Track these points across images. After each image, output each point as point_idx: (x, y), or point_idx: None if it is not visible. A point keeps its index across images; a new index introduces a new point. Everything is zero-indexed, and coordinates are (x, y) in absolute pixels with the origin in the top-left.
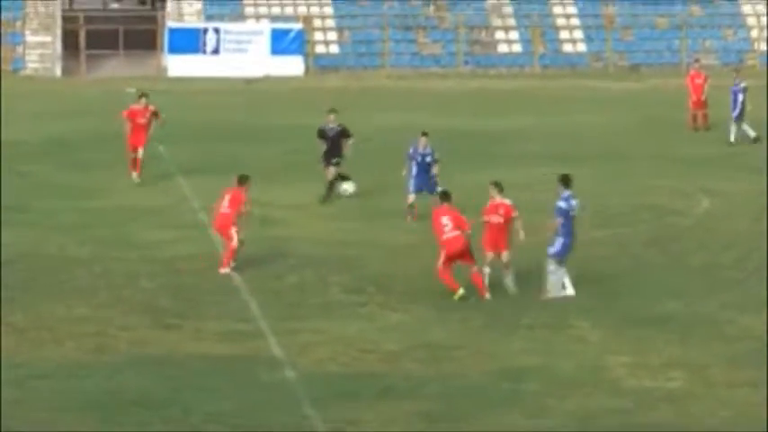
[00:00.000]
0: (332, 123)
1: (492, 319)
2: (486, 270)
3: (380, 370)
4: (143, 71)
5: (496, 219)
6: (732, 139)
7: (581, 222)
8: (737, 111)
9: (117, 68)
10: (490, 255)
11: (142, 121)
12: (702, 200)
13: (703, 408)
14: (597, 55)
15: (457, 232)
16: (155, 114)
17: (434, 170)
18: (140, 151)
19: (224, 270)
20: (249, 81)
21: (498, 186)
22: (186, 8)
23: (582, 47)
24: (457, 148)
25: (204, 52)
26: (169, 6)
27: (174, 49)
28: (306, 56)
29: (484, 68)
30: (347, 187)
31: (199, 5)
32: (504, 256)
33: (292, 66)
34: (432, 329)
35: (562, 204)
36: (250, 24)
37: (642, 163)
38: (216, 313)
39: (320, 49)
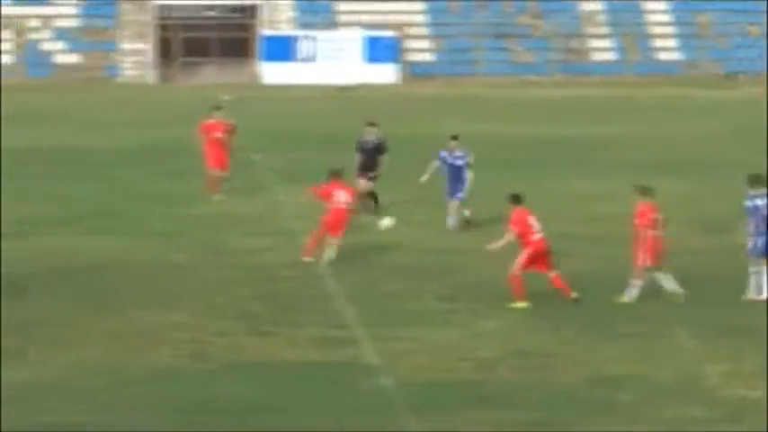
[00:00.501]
0: (369, 136)
1: (586, 327)
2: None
3: (476, 378)
4: (237, 78)
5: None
6: None
7: (678, 231)
8: None
9: (211, 76)
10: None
11: (218, 135)
12: None
13: None
14: (692, 63)
15: (542, 234)
16: (232, 129)
17: (466, 174)
18: (223, 173)
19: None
20: (343, 89)
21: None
22: (280, 16)
23: (676, 55)
24: (550, 156)
25: (298, 60)
26: (263, 14)
27: (269, 57)
28: (400, 63)
29: (578, 76)
30: (387, 223)
31: (292, 13)
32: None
33: (386, 73)
34: (526, 337)
35: (748, 203)
36: (344, 32)
37: (738, 171)
38: (311, 320)
39: (414, 56)
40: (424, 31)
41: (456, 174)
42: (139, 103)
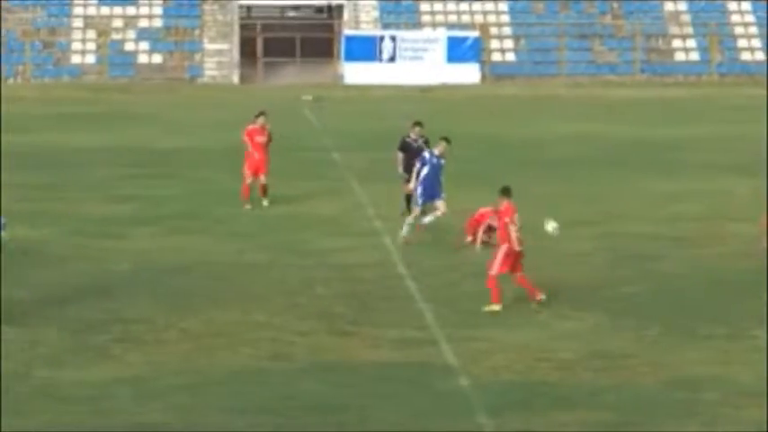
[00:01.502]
0: (415, 135)
1: (667, 328)
2: None
3: (555, 379)
4: (320, 79)
5: None
6: None
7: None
8: None
9: (294, 76)
10: None
11: (261, 139)
12: None
13: None
14: None
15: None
16: (270, 137)
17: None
18: (262, 177)
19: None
20: (425, 89)
21: None
22: (363, 16)
23: (760, 55)
24: (633, 157)
25: (380, 60)
26: (346, 14)
27: (351, 57)
28: (482, 63)
29: (660, 76)
30: (553, 226)
31: (375, 13)
32: None
33: (468, 73)
34: (606, 338)
35: None
36: (426, 32)
37: None
38: (391, 321)
39: (496, 56)
40: (506, 31)
41: (438, 174)
42: (222, 103)
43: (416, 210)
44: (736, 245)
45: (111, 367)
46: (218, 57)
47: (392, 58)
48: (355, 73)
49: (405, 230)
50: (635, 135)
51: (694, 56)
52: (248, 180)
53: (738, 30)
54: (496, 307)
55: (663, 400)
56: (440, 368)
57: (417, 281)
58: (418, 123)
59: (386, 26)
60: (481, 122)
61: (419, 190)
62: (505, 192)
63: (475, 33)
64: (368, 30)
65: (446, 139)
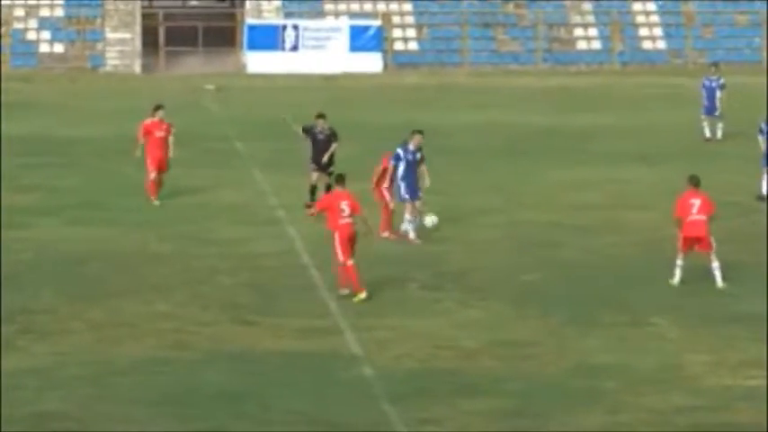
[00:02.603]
0: (320, 127)
1: (570, 317)
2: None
3: (458, 367)
4: (222, 68)
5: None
6: (708, 134)
7: (661, 220)
8: (711, 105)
9: (196, 65)
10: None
11: (160, 134)
12: None
13: None
14: (677, 52)
15: (350, 220)
16: (169, 131)
17: (423, 168)
18: (162, 176)
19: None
20: (328, 78)
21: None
22: (265, 5)
23: (661, 44)
24: (536, 146)
25: (283, 49)
26: (248, 3)
27: (253, 46)
28: (384, 53)
29: (563, 65)
30: (431, 219)
31: (278, 2)
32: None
33: (371, 62)
34: (510, 326)
35: None
36: (329, 21)
37: (725, 161)
38: (294, 310)
39: (399, 45)
40: (408, 20)
41: (413, 170)
42: (124, 92)
43: (410, 206)
44: (637, 234)
45: (15, 358)
46: (120, 46)
47: (295, 48)
48: (258, 62)
49: (410, 230)
50: (538, 124)
51: (596, 45)
52: (152, 175)
53: (640, 18)
54: (363, 295)
55: (566, 388)
56: (343, 357)
57: (321, 270)
58: (321, 116)
59: (288, 15)
60: (384, 111)
61: (402, 188)
62: (339, 179)
63: (377, 22)
64: (270, 19)
65: (420, 132)
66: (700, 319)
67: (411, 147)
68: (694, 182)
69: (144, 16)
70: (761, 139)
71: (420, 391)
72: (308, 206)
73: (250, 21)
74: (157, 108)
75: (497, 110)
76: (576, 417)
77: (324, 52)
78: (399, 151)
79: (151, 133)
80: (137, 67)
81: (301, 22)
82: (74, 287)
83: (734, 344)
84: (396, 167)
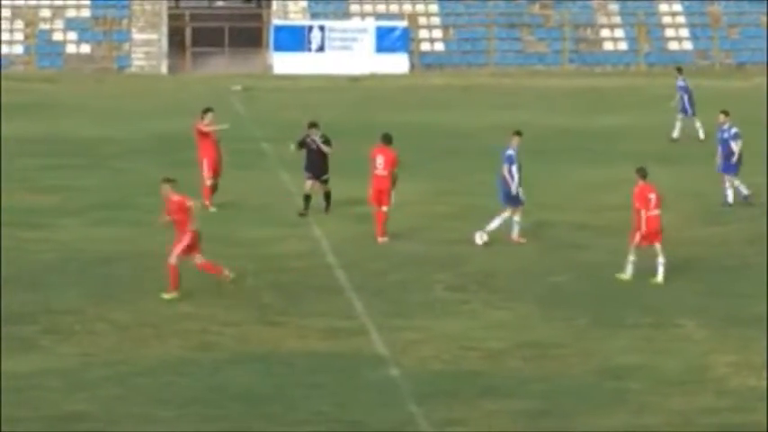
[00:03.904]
0: (314, 135)
1: (596, 318)
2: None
3: (484, 368)
4: (248, 69)
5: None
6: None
7: (683, 221)
8: (685, 105)
9: (222, 66)
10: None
11: (212, 136)
12: None
13: None
14: (703, 53)
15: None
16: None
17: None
18: (218, 180)
19: (383, 239)
20: (354, 79)
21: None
22: (291, 6)
23: (687, 45)
24: (561, 146)
25: (309, 50)
26: (274, 4)
27: (280, 47)
28: (411, 53)
29: (589, 66)
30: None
31: (304, 3)
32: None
33: (397, 63)
34: (535, 327)
35: None
36: (355, 22)
37: (745, 161)
38: (320, 310)
39: (425, 46)
40: (435, 20)
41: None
42: (150, 93)
43: (512, 210)
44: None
45: (39, 358)
46: (146, 47)
47: (321, 48)
48: (284, 63)
49: (515, 230)
50: (563, 124)
51: (623, 45)
52: (208, 182)
53: (666, 19)
54: (174, 294)
55: (591, 390)
56: (369, 358)
57: (346, 271)
58: (314, 125)
59: (314, 16)
60: (410, 112)
61: (515, 190)
62: (167, 181)
63: (403, 23)
64: (296, 19)
65: (518, 133)
66: (724, 321)
67: (514, 146)
68: (643, 174)
69: (170, 17)
70: (734, 144)
71: (445, 393)
72: (302, 215)
73: (276, 21)
74: (207, 110)
75: (523, 110)
76: (600, 418)
77: (350, 53)
78: (512, 152)
79: (206, 136)
80: (163, 68)
81: (327, 23)
82: (98, 288)
83: (759, 345)
84: (510, 170)
